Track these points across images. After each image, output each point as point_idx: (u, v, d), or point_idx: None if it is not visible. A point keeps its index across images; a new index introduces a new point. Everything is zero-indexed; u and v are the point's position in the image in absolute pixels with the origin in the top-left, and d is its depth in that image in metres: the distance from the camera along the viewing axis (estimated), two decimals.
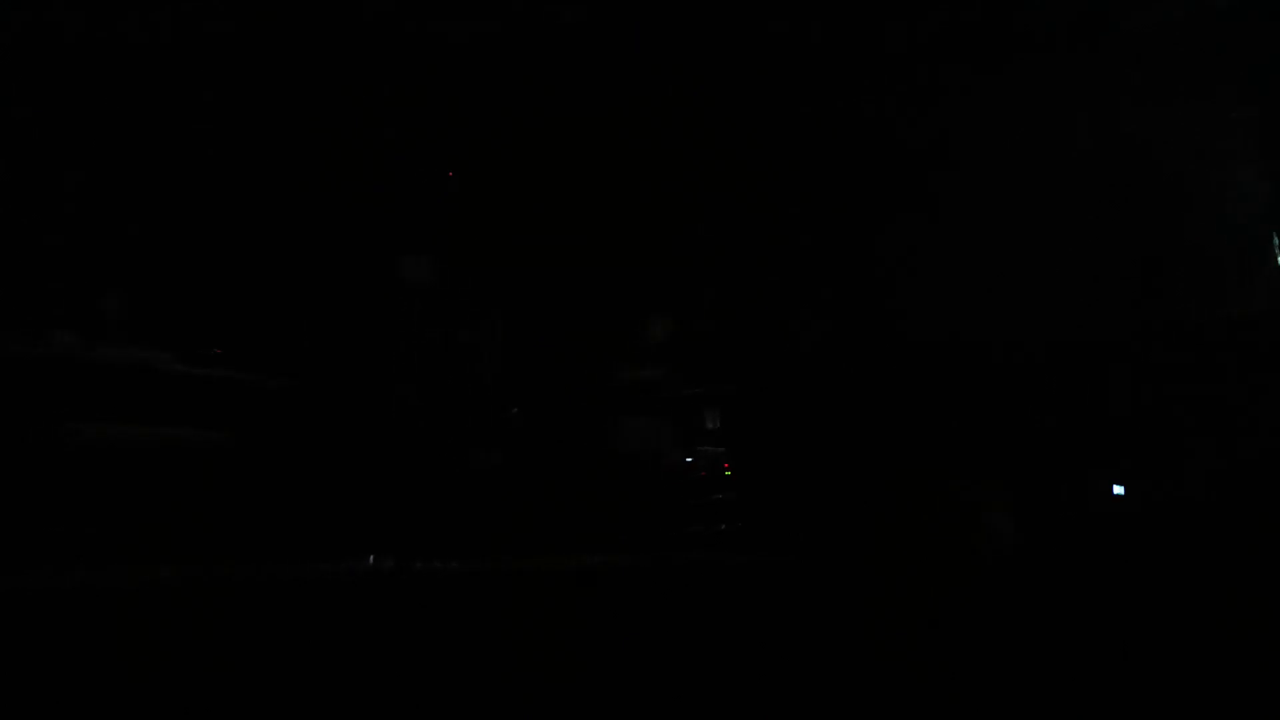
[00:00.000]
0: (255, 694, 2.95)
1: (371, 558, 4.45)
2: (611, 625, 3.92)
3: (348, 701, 2.96)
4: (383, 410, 5.01)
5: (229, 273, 4.78)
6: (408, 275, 5.15)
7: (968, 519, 4.95)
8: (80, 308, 4.41)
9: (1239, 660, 3.36)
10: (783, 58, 4.81)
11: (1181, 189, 4.90)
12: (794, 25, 4.52)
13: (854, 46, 4.79)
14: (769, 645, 3.67)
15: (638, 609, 4.23)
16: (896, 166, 5.45)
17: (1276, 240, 5.11)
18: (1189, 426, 4.79)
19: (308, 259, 4.97)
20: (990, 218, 5.18)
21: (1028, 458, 5.00)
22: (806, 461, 5.47)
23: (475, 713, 2.99)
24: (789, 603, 4.42)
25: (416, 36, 4.62)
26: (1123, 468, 4.91)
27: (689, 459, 5.63)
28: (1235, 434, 4.70)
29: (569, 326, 5.64)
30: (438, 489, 4.96)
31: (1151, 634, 3.74)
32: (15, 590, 3.53)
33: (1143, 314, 5.02)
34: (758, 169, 5.68)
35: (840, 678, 3.33)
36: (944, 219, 5.35)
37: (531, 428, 5.40)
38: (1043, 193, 5.07)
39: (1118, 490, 4.93)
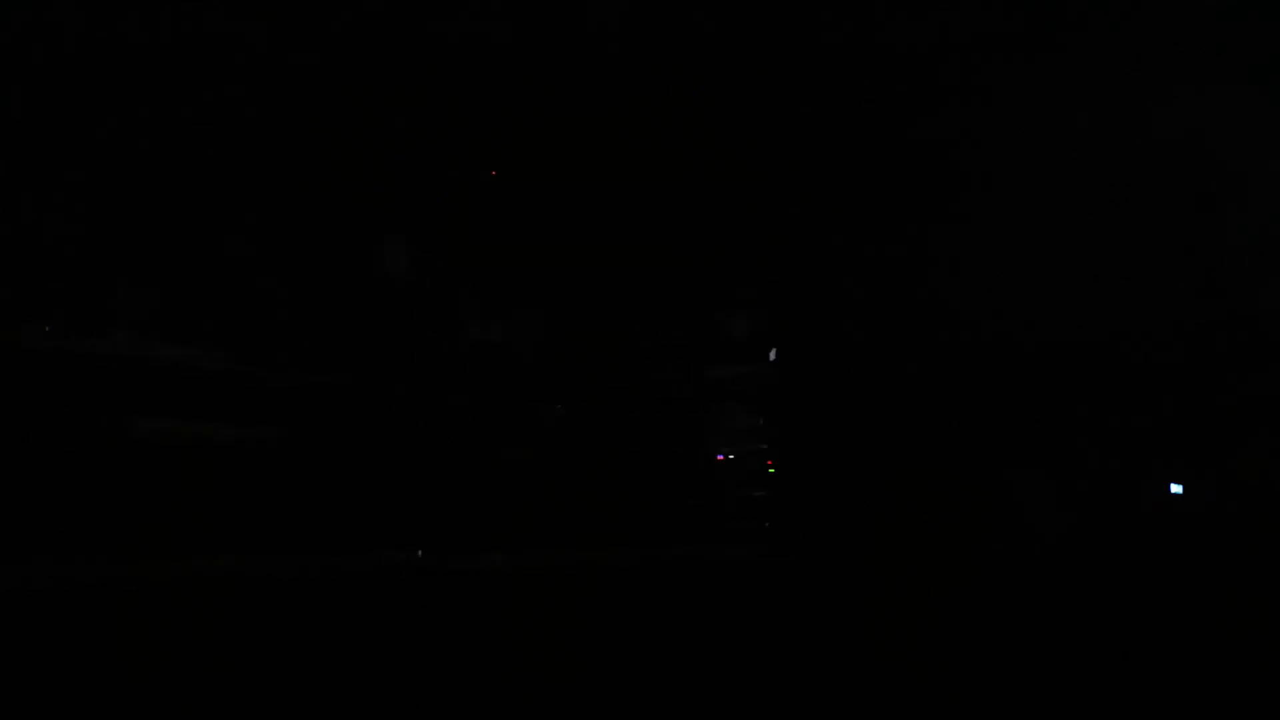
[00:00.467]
0: (305, 682, 2.98)
1: (420, 552, 4.48)
2: (650, 619, 3.92)
3: (397, 690, 2.98)
4: (422, 407, 5.02)
5: (278, 272, 4.79)
6: (446, 273, 5.20)
7: (1018, 519, 4.94)
8: (136, 308, 4.43)
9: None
10: (843, 50, 4.86)
11: (1236, 180, 4.90)
12: (853, 15, 4.59)
13: (894, 42, 4.87)
14: (814, 641, 3.67)
15: (677, 604, 4.23)
16: (934, 163, 5.51)
17: None
18: (1251, 424, 4.70)
19: (351, 258, 4.99)
20: (1034, 214, 5.21)
21: (1083, 456, 4.94)
22: (852, 457, 5.48)
23: (511, 702, 2.98)
24: (834, 599, 4.41)
25: (459, 36, 4.68)
26: (1183, 465, 4.82)
27: (731, 455, 5.64)
28: None
29: (611, 324, 5.66)
30: (478, 484, 4.97)
31: (1197, 638, 3.70)
32: (69, 583, 3.51)
33: (1194, 310, 4.98)
34: (783, 165, 5.75)
35: (887, 675, 3.32)
36: (986, 215, 5.39)
37: (574, 424, 5.41)
38: (1090, 186, 5.11)
39: (1175, 489, 4.81)
